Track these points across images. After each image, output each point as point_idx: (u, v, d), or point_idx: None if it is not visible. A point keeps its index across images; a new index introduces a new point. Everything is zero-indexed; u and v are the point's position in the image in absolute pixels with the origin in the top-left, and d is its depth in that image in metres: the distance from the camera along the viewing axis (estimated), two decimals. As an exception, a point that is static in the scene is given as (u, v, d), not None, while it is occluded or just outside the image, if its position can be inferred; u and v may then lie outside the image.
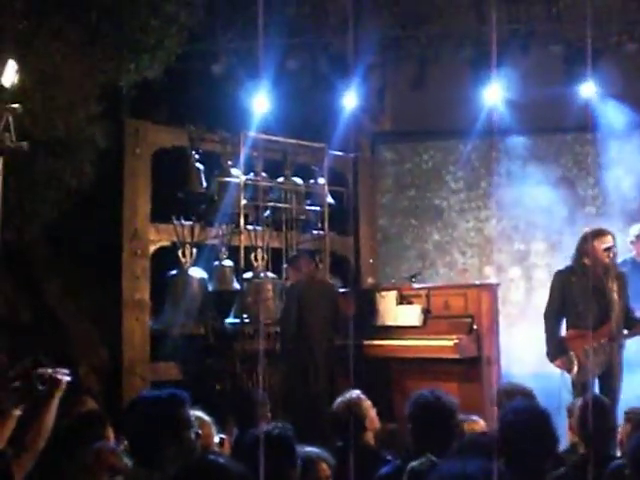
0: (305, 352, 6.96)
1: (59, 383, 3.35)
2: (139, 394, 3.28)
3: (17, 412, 3.28)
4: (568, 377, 6.35)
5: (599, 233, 6.46)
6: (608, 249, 6.37)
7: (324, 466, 3.64)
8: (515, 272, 8.13)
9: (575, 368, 6.29)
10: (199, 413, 3.93)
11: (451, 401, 3.85)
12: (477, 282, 7.30)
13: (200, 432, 3.16)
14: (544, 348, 6.48)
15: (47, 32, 6.55)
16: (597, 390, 6.09)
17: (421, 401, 3.81)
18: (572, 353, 6.32)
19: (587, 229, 6.68)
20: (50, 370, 3.38)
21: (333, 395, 6.79)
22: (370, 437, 4.69)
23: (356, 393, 4.70)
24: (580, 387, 6.17)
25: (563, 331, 6.54)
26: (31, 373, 3.29)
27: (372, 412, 4.74)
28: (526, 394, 4.64)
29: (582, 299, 6.31)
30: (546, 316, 6.54)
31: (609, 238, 6.41)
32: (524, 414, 3.25)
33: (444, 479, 2.18)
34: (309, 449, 3.60)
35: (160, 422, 2.96)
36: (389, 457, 4.33)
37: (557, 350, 6.42)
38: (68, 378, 3.40)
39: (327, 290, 7.43)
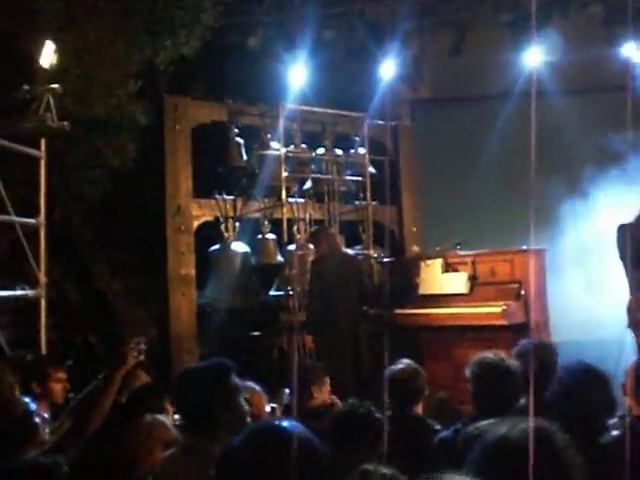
0: (329, 325, 6.93)
1: (125, 360, 3.42)
2: (187, 366, 3.30)
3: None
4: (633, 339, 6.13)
5: None
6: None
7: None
8: (562, 235, 7.97)
9: None
10: (249, 383, 3.95)
11: (514, 364, 3.77)
12: (524, 247, 7.16)
13: (248, 398, 3.18)
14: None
15: (82, 12, 6.57)
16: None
17: (485, 362, 3.73)
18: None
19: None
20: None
21: (359, 366, 6.80)
22: (420, 407, 4.64)
23: (406, 362, 4.61)
24: None
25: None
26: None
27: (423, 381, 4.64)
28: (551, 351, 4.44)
29: None
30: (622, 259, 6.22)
31: None
32: (582, 376, 3.18)
33: (494, 445, 2.12)
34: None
35: (212, 390, 2.96)
36: (438, 427, 4.28)
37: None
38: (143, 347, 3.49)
39: (349, 262, 7.35)
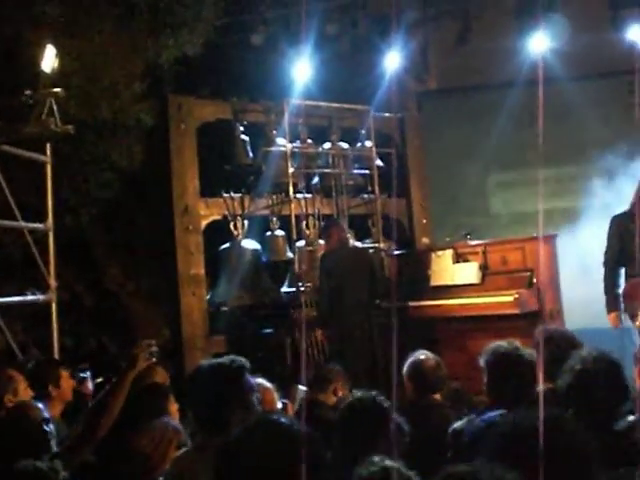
0: (341, 319, 6.90)
1: (135, 363, 3.40)
2: (199, 364, 3.29)
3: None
4: (634, 329, 6.17)
5: None
6: None
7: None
8: (572, 222, 7.92)
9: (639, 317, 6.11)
10: (260, 380, 3.93)
11: (530, 353, 3.73)
12: (534, 234, 7.11)
13: (260, 397, 3.16)
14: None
15: (83, 15, 6.56)
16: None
17: (498, 351, 3.69)
18: (637, 302, 6.13)
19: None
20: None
21: (373, 359, 6.77)
22: (438, 397, 4.65)
23: (425, 353, 4.63)
24: None
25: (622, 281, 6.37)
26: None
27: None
28: (573, 342, 4.39)
29: None
30: (605, 264, 6.37)
31: None
32: (594, 363, 3.14)
33: (508, 434, 2.10)
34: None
35: (227, 387, 2.94)
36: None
37: (611, 304, 6.28)
38: (155, 349, 3.47)
39: (360, 255, 7.35)
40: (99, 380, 5.03)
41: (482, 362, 3.76)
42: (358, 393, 3.57)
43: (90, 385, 5.02)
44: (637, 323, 6.10)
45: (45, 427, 3.27)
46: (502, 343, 3.77)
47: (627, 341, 6.09)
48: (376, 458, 2.23)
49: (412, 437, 3.55)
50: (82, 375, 4.94)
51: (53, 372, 4.42)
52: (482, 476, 1.70)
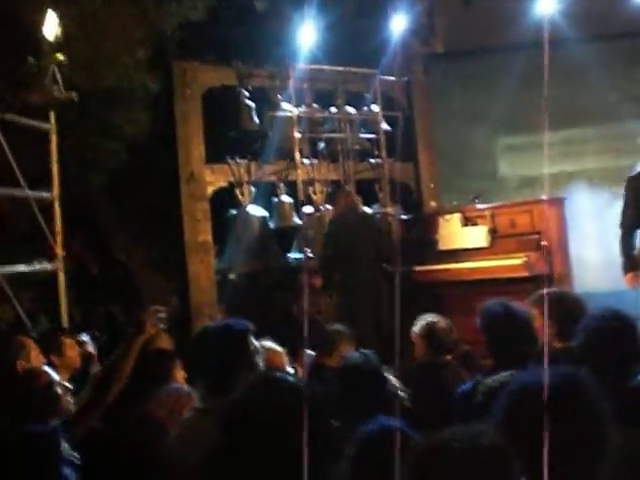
0: (349, 283, 6.91)
1: (143, 329, 3.40)
2: (204, 326, 3.28)
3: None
4: None
5: None
6: None
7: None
8: (581, 185, 7.88)
9: None
10: (270, 344, 3.94)
11: (522, 310, 3.69)
12: (543, 197, 7.07)
13: (270, 360, 3.16)
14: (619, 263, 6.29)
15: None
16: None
17: (490, 313, 3.68)
18: None
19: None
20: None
21: (380, 324, 6.78)
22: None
23: (435, 316, 4.66)
24: None
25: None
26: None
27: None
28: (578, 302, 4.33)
29: None
30: (621, 225, 6.29)
31: None
32: (608, 321, 3.12)
33: (521, 391, 2.08)
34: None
35: (232, 347, 2.94)
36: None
37: (628, 265, 6.22)
38: (163, 315, 3.47)
39: (367, 220, 7.32)
40: (104, 339, 5.05)
41: (478, 325, 3.76)
42: (353, 354, 3.59)
43: (91, 347, 5.03)
44: None
45: (55, 389, 3.28)
46: (492, 303, 3.74)
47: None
48: (380, 419, 2.23)
49: (426, 396, 3.55)
50: (80, 339, 4.95)
51: (55, 341, 4.43)
52: (458, 442, 1.66)
